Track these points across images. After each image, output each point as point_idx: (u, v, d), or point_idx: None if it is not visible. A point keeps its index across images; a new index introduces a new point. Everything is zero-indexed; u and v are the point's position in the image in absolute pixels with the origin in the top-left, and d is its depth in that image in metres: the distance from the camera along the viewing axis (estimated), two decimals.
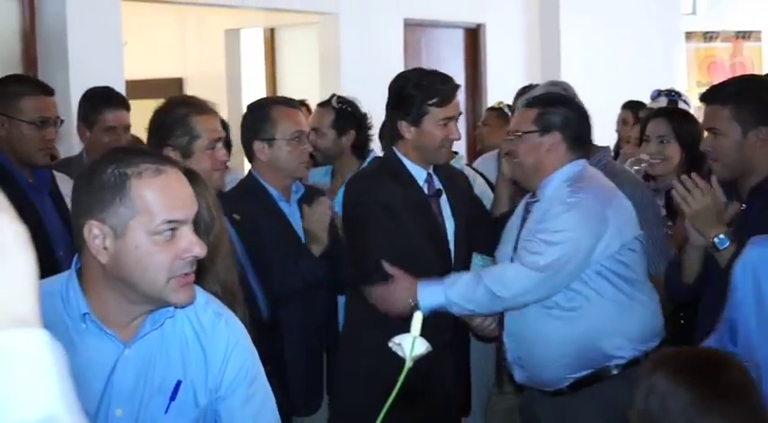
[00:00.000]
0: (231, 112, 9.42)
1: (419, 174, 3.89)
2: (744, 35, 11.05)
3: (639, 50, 9.90)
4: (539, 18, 9.92)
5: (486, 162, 5.45)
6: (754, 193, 3.52)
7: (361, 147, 5.04)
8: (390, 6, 8.49)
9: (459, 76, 9.00)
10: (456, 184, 4.08)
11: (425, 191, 3.91)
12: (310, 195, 4.03)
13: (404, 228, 3.79)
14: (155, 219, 2.13)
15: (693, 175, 3.36)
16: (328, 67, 8.28)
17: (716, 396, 2.15)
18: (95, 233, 2.13)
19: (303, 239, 3.92)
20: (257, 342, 2.44)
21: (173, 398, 2.29)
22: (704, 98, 3.71)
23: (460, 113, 4.01)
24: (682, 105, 5.25)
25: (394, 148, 3.91)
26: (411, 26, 8.86)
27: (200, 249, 2.18)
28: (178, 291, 2.19)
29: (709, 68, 10.62)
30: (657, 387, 2.18)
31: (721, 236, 3.30)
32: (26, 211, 3.78)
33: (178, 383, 2.29)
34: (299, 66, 9.08)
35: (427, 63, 8.91)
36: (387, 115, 3.97)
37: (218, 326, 2.35)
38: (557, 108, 3.73)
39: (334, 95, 5.22)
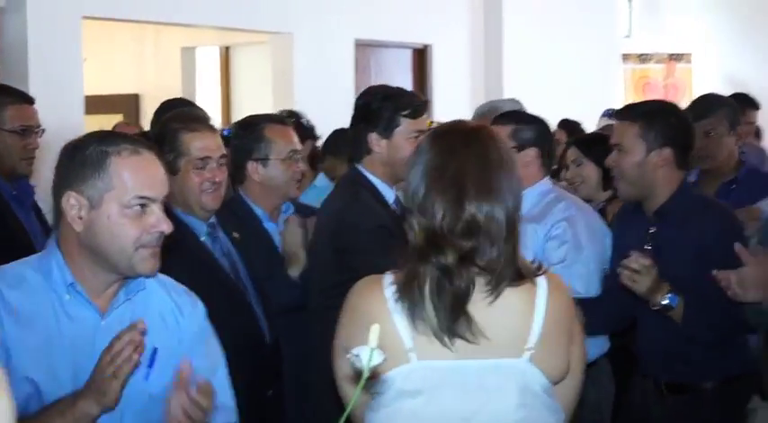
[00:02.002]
0: None
1: (388, 193, 3.62)
2: (676, 57, 11.21)
3: (579, 71, 10.02)
4: (483, 39, 10.01)
5: None
6: (658, 215, 3.54)
7: (315, 157, 5.05)
8: (342, 27, 8.55)
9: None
10: None
11: (396, 211, 3.58)
12: (301, 214, 3.85)
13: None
14: (128, 194, 2.27)
15: (634, 254, 3.27)
16: (281, 85, 8.31)
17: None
18: (72, 203, 2.27)
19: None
20: (260, 367, 2.50)
21: (150, 365, 2.36)
22: (617, 114, 3.72)
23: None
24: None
25: (359, 167, 3.63)
26: (362, 46, 8.92)
27: (166, 226, 2.32)
28: (145, 260, 2.31)
29: (643, 89, 10.77)
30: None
31: (668, 296, 3.29)
32: (10, 223, 3.77)
33: (155, 350, 2.36)
34: (253, 83, 9.10)
35: (376, 81, 8.93)
36: (353, 131, 3.70)
37: (194, 311, 2.51)
38: (530, 125, 3.76)
39: (283, 111, 5.21)
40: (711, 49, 11.11)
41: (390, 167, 3.57)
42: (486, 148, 2.33)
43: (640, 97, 10.63)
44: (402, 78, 9.36)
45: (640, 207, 3.61)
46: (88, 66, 7.03)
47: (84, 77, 6.83)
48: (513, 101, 4.99)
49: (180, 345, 2.42)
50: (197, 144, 3.23)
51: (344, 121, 4.04)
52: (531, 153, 3.69)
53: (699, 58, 11.16)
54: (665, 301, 3.29)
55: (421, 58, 9.61)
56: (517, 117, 3.85)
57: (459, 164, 2.28)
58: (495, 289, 2.24)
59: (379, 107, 3.58)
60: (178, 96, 5.17)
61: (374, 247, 3.26)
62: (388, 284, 2.28)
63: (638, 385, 3.61)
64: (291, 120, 4.88)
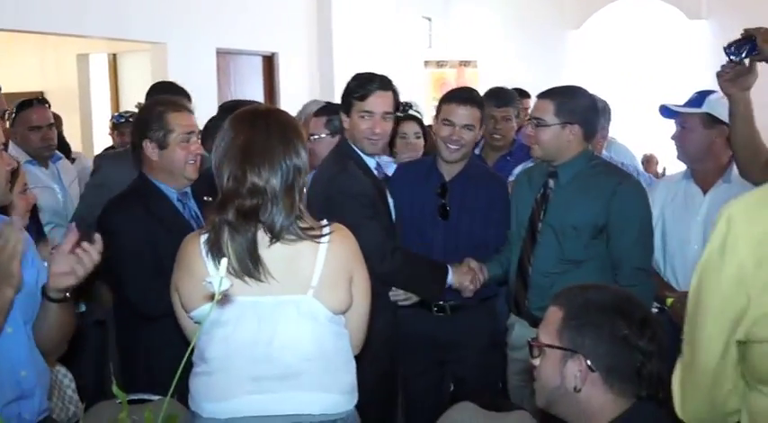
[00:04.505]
0: (83, 121, 9.25)
1: (370, 161, 3.41)
2: (465, 63, 11.35)
3: (392, 73, 9.93)
4: (317, 48, 9.93)
5: None
6: (458, 175, 3.57)
7: None
8: (205, 37, 8.40)
9: (260, 96, 9.01)
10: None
11: (378, 176, 3.43)
12: None
13: (379, 216, 3.32)
14: None
15: None
16: None
17: None
18: None
19: None
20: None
21: None
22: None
23: (390, 113, 3.39)
24: (414, 113, 5.48)
25: (347, 140, 3.43)
26: (222, 54, 8.76)
27: None
28: None
29: (441, 87, 10.89)
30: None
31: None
32: None
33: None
34: (137, 84, 8.90)
35: (235, 84, 8.93)
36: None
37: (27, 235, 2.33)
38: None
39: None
40: (493, 57, 11.36)
41: (354, 140, 3.40)
42: (271, 125, 2.28)
43: (438, 95, 10.87)
44: (255, 81, 9.27)
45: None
46: None
47: None
48: (315, 102, 4.78)
49: (29, 250, 2.30)
50: (182, 122, 3.06)
51: (208, 117, 4.11)
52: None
53: (483, 63, 11.36)
54: None
55: (269, 63, 9.47)
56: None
57: (248, 137, 2.24)
58: (278, 239, 2.23)
59: (345, 93, 3.44)
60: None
61: (357, 210, 3.15)
62: (203, 238, 2.26)
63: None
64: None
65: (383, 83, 3.39)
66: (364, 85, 3.38)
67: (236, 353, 2.26)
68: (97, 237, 2.23)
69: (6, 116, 4.18)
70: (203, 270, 2.22)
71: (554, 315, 1.90)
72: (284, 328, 2.26)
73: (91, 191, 3.99)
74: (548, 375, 1.88)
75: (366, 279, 2.41)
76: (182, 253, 2.32)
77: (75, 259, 2.15)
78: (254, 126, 2.27)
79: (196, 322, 2.30)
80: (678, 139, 3.59)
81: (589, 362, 1.83)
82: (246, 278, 2.22)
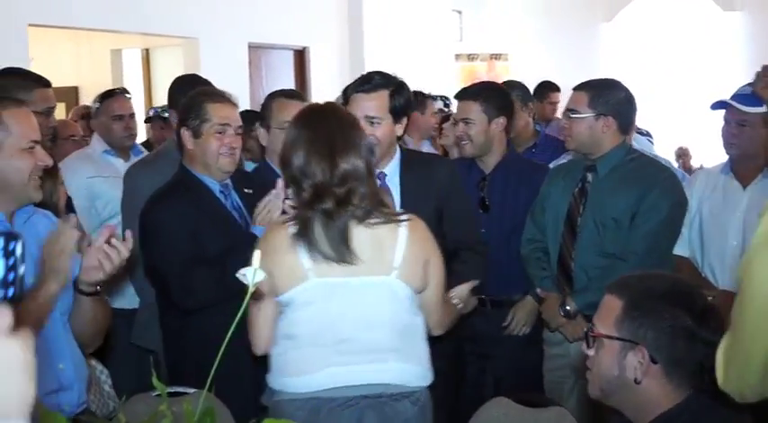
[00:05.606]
0: None
1: None
2: (496, 56, 11.32)
3: (423, 67, 9.96)
4: (348, 42, 9.91)
5: None
6: (497, 167, 3.64)
7: None
8: (237, 32, 8.44)
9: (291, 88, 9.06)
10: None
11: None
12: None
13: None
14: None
15: None
16: None
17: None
18: None
19: None
20: None
21: None
22: (458, 96, 3.72)
23: (374, 117, 2.99)
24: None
25: None
26: (254, 48, 8.79)
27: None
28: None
29: (472, 81, 10.80)
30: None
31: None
32: None
33: None
34: (170, 79, 8.95)
35: (266, 79, 8.95)
36: None
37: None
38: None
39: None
40: (524, 50, 11.28)
41: None
42: (340, 117, 2.49)
43: None
44: (286, 76, 9.28)
45: (470, 163, 3.67)
46: (35, 64, 6.89)
47: None
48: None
49: None
50: (219, 112, 3.02)
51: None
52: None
53: (514, 57, 11.30)
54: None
55: (301, 58, 9.48)
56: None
57: (327, 131, 2.40)
58: (365, 223, 2.37)
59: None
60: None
61: None
62: (290, 230, 2.39)
63: None
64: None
65: (371, 83, 3.02)
66: (350, 85, 3.11)
67: (323, 329, 2.38)
68: (128, 234, 2.27)
69: (89, 112, 4.20)
70: (296, 259, 2.36)
71: (612, 304, 1.84)
72: (369, 307, 2.40)
73: (126, 211, 3.70)
74: (606, 366, 1.83)
75: (440, 263, 2.52)
76: (269, 244, 2.39)
77: (103, 255, 2.18)
78: (326, 119, 2.44)
79: (284, 305, 2.41)
80: (735, 135, 3.45)
81: (651, 354, 1.79)
82: (335, 262, 2.35)
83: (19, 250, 0.94)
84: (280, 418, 2.23)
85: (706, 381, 1.80)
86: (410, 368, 2.45)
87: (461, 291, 2.81)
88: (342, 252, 2.34)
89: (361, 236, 2.37)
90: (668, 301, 1.81)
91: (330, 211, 2.34)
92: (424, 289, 2.49)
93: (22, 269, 0.94)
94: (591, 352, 1.87)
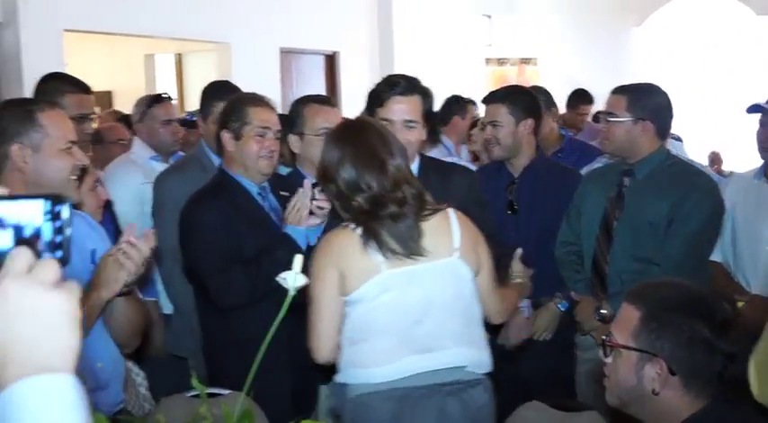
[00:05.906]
0: None
1: None
2: (526, 61, 11.30)
3: (454, 72, 10.05)
4: (378, 46, 9.96)
5: None
6: (526, 170, 3.61)
7: None
8: (269, 37, 8.50)
9: (321, 93, 9.10)
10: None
11: None
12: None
13: None
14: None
15: None
16: None
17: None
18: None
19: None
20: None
21: (93, 261, 2.33)
22: (486, 100, 3.71)
23: (411, 121, 2.96)
24: None
25: None
26: (284, 53, 8.84)
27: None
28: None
29: (502, 85, 10.82)
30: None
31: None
32: None
33: (93, 251, 2.35)
34: (202, 84, 8.99)
35: (297, 84, 8.98)
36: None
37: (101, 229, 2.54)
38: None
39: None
40: (553, 54, 11.25)
41: None
42: (375, 128, 2.62)
43: None
44: (317, 80, 9.34)
45: (500, 166, 3.66)
46: (70, 69, 6.98)
47: None
48: None
49: (105, 243, 2.42)
50: (259, 116, 3.05)
51: None
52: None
53: (544, 61, 11.28)
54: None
55: (331, 62, 9.53)
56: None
57: (368, 144, 2.53)
58: (421, 213, 2.53)
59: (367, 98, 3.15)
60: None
61: None
62: (357, 232, 2.49)
63: None
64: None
65: (404, 87, 2.99)
66: (384, 89, 3.03)
67: (398, 317, 2.49)
68: (149, 232, 2.29)
69: (137, 116, 4.24)
70: (367, 257, 2.48)
71: (629, 314, 1.82)
72: (437, 290, 2.51)
73: (157, 217, 3.71)
74: (623, 375, 1.82)
75: (487, 248, 2.65)
76: (340, 246, 2.52)
77: (123, 254, 2.19)
78: (364, 132, 2.59)
79: (355, 302, 2.49)
80: None
81: (669, 365, 1.77)
82: (404, 256, 2.48)
83: (65, 213, 0.92)
84: (365, 415, 2.44)
85: (724, 391, 1.76)
86: (477, 354, 2.56)
87: (517, 265, 2.98)
88: (410, 247, 2.49)
89: (421, 229, 2.51)
90: (686, 312, 1.78)
91: (396, 215, 2.48)
92: (479, 272, 2.61)
93: (68, 231, 0.92)
94: (608, 360, 1.86)
